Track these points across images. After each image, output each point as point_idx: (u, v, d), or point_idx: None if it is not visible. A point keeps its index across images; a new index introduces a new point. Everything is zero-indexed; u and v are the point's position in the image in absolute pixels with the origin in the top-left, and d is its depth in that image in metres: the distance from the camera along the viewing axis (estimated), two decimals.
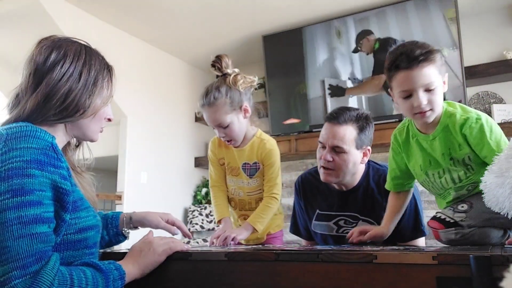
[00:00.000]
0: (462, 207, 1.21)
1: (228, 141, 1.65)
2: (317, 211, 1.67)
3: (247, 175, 1.70)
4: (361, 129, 1.54)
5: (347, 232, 1.51)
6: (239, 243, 1.75)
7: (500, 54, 3.70)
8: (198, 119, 4.95)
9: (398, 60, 1.20)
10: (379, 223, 1.49)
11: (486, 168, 1.07)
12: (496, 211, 1.02)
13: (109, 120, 1.09)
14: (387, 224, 1.43)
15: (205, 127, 5.08)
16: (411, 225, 1.57)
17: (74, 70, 0.97)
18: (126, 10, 3.79)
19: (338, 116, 1.54)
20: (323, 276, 0.88)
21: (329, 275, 0.88)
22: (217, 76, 1.67)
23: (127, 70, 4.12)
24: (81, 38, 1.08)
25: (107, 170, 4.95)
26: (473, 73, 3.58)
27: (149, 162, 4.32)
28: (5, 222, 0.80)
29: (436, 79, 1.20)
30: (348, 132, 1.52)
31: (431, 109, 1.22)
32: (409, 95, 1.21)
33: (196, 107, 5.44)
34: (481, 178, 1.07)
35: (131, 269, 0.98)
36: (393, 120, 3.61)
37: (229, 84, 1.58)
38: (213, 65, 1.64)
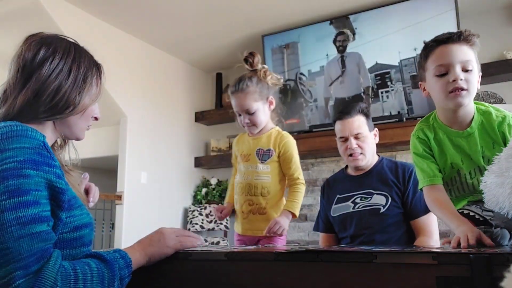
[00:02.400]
0: None
1: (249, 127, 1.80)
2: (337, 196, 1.92)
3: (259, 160, 1.82)
4: (366, 116, 1.88)
5: (363, 207, 1.80)
6: (241, 244, 1.79)
7: (500, 54, 3.70)
8: (198, 119, 4.96)
9: (438, 36, 1.21)
10: (391, 196, 1.78)
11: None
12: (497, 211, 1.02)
13: (96, 119, 1.08)
14: (460, 218, 1.18)
15: (205, 127, 5.09)
16: (422, 202, 1.63)
17: (63, 66, 0.97)
18: (126, 10, 3.79)
19: (349, 111, 1.85)
20: (323, 276, 0.88)
21: (329, 275, 0.88)
22: (246, 70, 1.83)
23: (127, 70, 4.12)
24: (73, 37, 1.06)
25: (107, 170, 4.95)
26: None
27: (149, 162, 4.32)
28: (4, 224, 0.80)
29: (474, 63, 1.19)
30: (360, 121, 1.84)
31: (467, 89, 1.17)
32: (445, 72, 1.17)
33: (196, 107, 5.42)
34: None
35: (137, 257, 0.98)
36: (393, 120, 3.61)
37: (260, 77, 1.78)
38: (245, 60, 1.82)
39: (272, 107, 1.82)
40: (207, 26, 4.10)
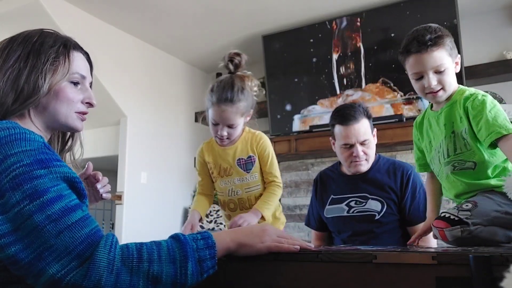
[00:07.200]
0: (467, 205, 1.20)
1: (223, 139, 1.61)
2: (331, 196, 1.86)
3: (244, 170, 1.66)
4: (369, 118, 1.78)
5: (357, 212, 1.76)
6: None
7: (500, 54, 3.70)
8: (198, 119, 4.95)
9: (409, 45, 1.30)
10: (386, 202, 1.74)
11: (479, 146, 1.23)
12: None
13: (91, 104, 1.04)
14: (433, 211, 1.48)
15: (205, 127, 5.05)
16: (421, 208, 1.70)
17: (21, 52, 0.95)
18: (126, 10, 3.79)
19: (354, 116, 1.71)
20: (323, 276, 0.88)
21: (329, 275, 0.88)
22: (229, 72, 1.64)
23: (127, 70, 4.12)
24: (72, 37, 1.04)
25: (107, 170, 4.95)
26: (473, 73, 3.58)
27: (149, 162, 4.32)
28: (37, 226, 0.77)
29: (446, 61, 1.29)
30: (365, 125, 1.74)
31: (442, 89, 1.31)
32: (420, 76, 1.31)
33: (196, 107, 5.37)
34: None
35: (227, 242, 0.92)
36: (393, 120, 3.61)
37: (248, 88, 1.58)
38: (231, 60, 1.62)
39: (248, 118, 1.65)
40: (207, 26, 4.10)
